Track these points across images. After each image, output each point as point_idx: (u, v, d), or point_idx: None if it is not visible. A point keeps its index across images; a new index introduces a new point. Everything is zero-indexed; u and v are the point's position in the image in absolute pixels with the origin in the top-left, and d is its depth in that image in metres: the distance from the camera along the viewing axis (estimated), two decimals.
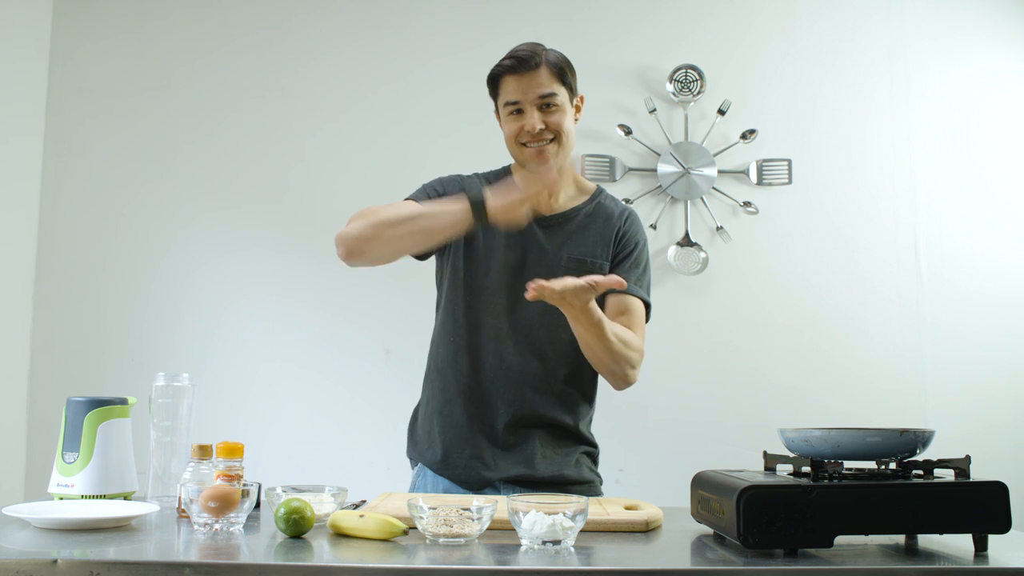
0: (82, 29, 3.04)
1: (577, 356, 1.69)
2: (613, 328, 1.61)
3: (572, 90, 1.71)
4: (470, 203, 1.52)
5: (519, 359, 1.67)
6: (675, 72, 3.04)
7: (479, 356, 1.68)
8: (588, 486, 1.71)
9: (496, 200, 1.51)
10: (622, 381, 1.68)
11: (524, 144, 1.66)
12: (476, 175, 1.78)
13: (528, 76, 1.65)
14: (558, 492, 1.57)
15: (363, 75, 3.05)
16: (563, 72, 1.68)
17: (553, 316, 1.67)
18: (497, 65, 1.69)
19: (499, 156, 1.82)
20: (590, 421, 1.77)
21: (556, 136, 1.66)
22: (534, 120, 1.65)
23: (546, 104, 1.66)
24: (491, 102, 1.77)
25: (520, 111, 1.66)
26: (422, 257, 1.74)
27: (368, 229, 1.58)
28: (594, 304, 1.55)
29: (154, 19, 3.05)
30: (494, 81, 1.71)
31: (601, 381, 1.76)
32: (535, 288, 1.46)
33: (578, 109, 1.73)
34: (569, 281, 1.47)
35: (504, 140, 1.72)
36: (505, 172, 1.78)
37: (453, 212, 1.53)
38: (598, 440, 1.78)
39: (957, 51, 3.12)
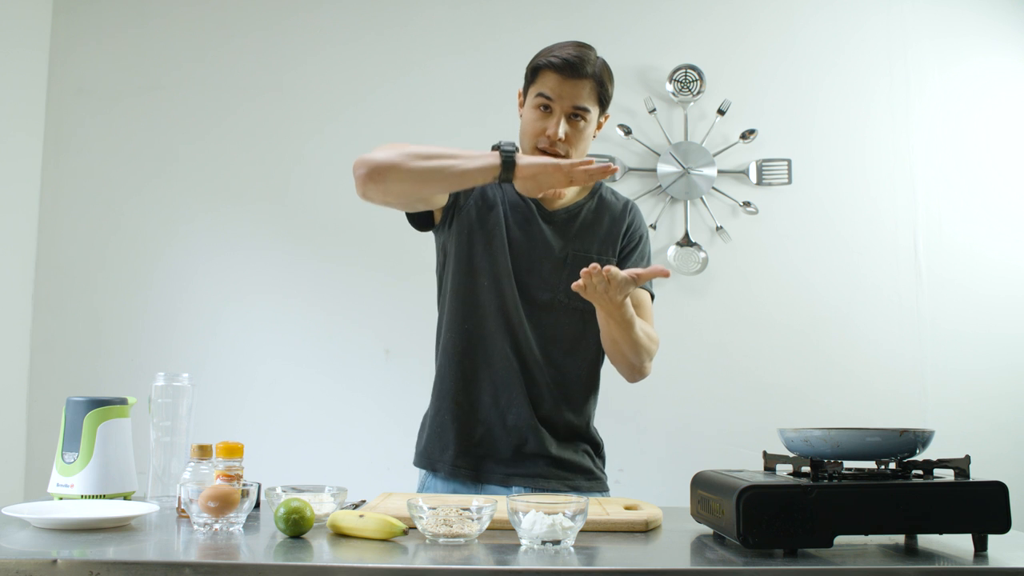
0: (82, 29, 3.04)
1: (584, 352, 1.71)
2: (639, 322, 1.63)
3: (604, 107, 1.70)
4: (501, 156, 1.50)
5: (531, 352, 1.68)
6: (675, 72, 3.04)
7: (493, 345, 1.68)
8: (597, 483, 1.73)
9: (526, 160, 1.51)
10: (638, 373, 1.70)
11: (539, 149, 1.65)
12: None
13: (571, 83, 1.62)
14: (568, 481, 1.62)
15: (363, 74, 3.05)
16: (604, 89, 1.66)
17: (559, 313, 1.68)
18: (547, 58, 1.64)
19: None
20: (593, 415, 1.78)
21: (567, 154, 1.64)
22: (559, 128, 1.63)
23: (575, 115, 1.64)
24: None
25: (548, 108, 1.64)
26: (423, 227, 1.72)
27: (396, 155, 1.53)
28: (628, 301, 1.55)
29: (154, 19, 3.05)
30: (535, 70, 1.67)
31: (602, 379, 1.77)
32: (587, 273, 1.45)
33: (600, 126, 1.72)
34: (618, 271, 1.46)
35: (520, 128, 1.70)
36: None
37: (484, 160, 1.51)
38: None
39: (957, 51, 3.12)
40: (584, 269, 1.46)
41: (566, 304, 1.67)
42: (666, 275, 1.48)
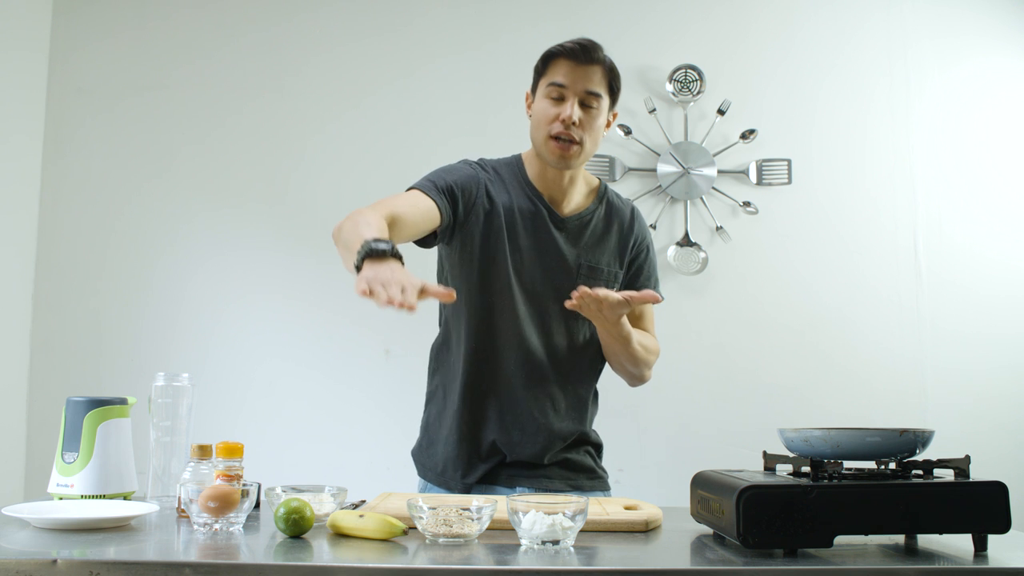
0: (82, 29, 3.04)
1: (590, 360, 1.74)
2: (637, 336, 1.67)
3: (614, 100, 1.70)
4: (360, 251, 1.35)
5: (539, 366, 1.68)
6: (675, 72, 3.04)
7: (501, 358, 1.67)
8: (599, 482, 1.75)
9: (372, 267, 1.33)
10: (638, 380, 1.77)
11: (552, 136, 1.64)
12: (483, 161, 1.76)
13: (584, 67, 1.63)
14: (571, 481, 1.66)
15: (364, 75, 3.05)
16: (614, 79, 1.67)
17: (569, 324, 1.70)
18: (558, 45, 1.65)
19: (500, 155, 1.82)
20: (594, 419, 1.81)
21: (581, 140, 1.64)
22: (573, 111, 1.62)
23: (587, 103, 1.64)
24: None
25: (562, 98, 1.64)
26: (425, 244, 1.69)
27: (336, 231, 1.53)
28: (625, 318, 1.59)
29: (154, 19, 3.05)
30: (547, 60, 1.66)
31: (600, 384, 1.80)
32: (579, 296, 1.48)
33: (608, 124, 1.71)
34: (611, 294, 1.49)
35: (531, 123, 1.69)
36: (517, 162, 1.76)
37: (351, 257, 1.38)
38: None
39: (957, 51, 3.12)
40: (575, 292, 1.49)
41: (575, 315, 1.68)
42: (657, 301, 1.51)
